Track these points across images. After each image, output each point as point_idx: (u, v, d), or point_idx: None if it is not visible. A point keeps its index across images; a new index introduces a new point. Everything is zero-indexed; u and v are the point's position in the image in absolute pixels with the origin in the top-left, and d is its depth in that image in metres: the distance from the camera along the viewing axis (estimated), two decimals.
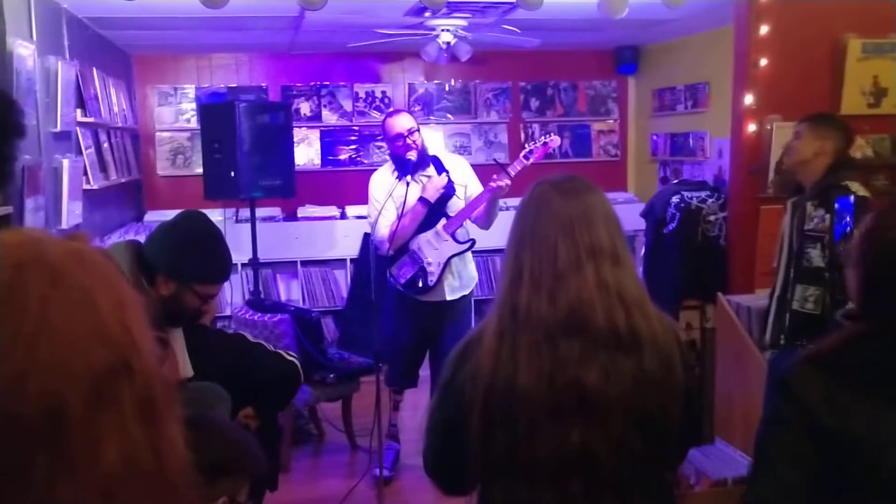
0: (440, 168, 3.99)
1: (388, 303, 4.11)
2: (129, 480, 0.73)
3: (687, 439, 1.66)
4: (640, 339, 1.48)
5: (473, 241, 4.00)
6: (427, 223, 3.93)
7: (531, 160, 3.86)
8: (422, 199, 3.88)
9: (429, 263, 3.91)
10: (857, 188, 2.98)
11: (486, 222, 4.00)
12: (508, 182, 3.78)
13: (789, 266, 3.13)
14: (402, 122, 3.93)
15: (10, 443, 0.69)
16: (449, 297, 3.99)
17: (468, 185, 4.04)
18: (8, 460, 0.69)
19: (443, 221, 3.93)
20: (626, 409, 1.46)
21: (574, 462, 1.46)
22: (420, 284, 3.92)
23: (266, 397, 2.72)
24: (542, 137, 3.98)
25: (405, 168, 3.89)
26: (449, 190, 3.94)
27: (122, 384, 0.74)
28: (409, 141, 3.87)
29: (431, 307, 3.99)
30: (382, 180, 4.01)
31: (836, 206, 2.66)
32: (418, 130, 3.95)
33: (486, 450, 1.50)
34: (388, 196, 3.89)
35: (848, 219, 2.64)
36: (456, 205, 3.98)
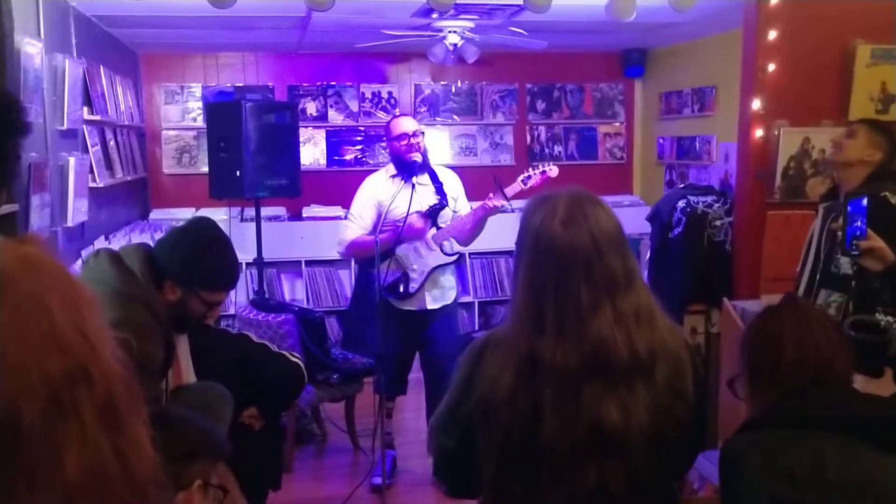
0: (435, 178, 3.99)
1: (374, 312, 4.11)
2: (93, 488, 0.71)
3: (695, 446, 1.66)
4: (655, 356, 1.48)
5: (460, 255, 4.04)
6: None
7: (528, 185, 3.88)
8: (398, 231, 3.85)
9: (413, 270, 3.92)
10: None
11: (467, 240, 4.03)
12: (505, 203, 3.82)
13: (815, 271, 3.10)
14: (407, 124, 3.94)
15: None
16: (430, 307, 3.99)
17: (457, 200, 4.05)
18: None
19: (433, 231, 3.93)
20: (643, 435, 1.46)
21: (591, 500, 1.46)
22: (401, 290, 3.93)
23: (270, 398, 2.72)
24: (542, 166, 3.98)
25: (409, 169, 3.88)
26: (442, 201, 3.95)
27: (81, 391, 0.72)
28: (413, 142, 3.87)
29: (414, 316, 4.00)
30: (375, 184, 4.01)
31: (848, 208, 2.62)
32: (423, 134, 3.96)
33: (501, 497, 1.50)
34: (375, 199, 3.91)
35: (859, 222, 2.60)
36: (446, 217, 3.98)
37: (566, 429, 1.44)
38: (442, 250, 3.96)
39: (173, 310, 2.13)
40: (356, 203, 4.01)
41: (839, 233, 2.71)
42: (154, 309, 2.00)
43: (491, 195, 3.82)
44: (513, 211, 6.34)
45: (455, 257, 4.00)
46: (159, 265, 2.14)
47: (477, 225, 3.92)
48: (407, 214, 3.81)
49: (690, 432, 1.56)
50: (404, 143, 3.88)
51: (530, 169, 3.97)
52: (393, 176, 3.98)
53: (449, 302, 4.08)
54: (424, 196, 3.92)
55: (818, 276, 3.04)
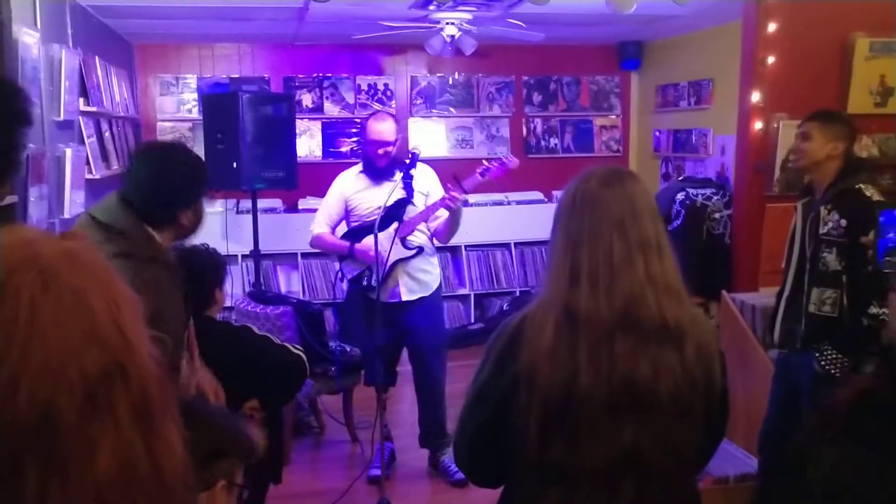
0: (407, 179, 3.93)
1: (355, 306, 4.13)
2: (124, 485, 0.72)
3: (718, 436, 1.66)
4: (685, 332, 1.49)
5: (421, 249, 3.99)
6: (382, 225, 3.88)
7: (487, 177, 3.87)
8: (350, 247, 3.94)
9: (374, 263, 3.90)
10: (872, 192, 2.96)
11: (445, 237, 4.05)
12: (464, 196, 3.81)
13: (800, 268, 3.10)
14: (380, 131, 3.93)
15: (3, 450, 0.67)
16: (405, 298, 4.01)
17: (429, 195, 4.02)
18: (0, 467, 0.67)
19: (395, 225, 3.92)
20: (672, 403, 1.46)
21: (626, 461, 1.46)
22: (364, 282, 3.97)
23: (272, 390, 2.72)
24: (501, 157, 3.97)
25: (372, 172, 3.96)
26: (408, 196, 3.94)
27: (117, 388, 0.72)
28: (380, 151, 3.92)
29: (393, 308, 3.99)
30: (345, 180, 4.07)
31: (881, 219, 2.61)
32: (394, 144, 3.95)
33: (542, 455, 1.49)
34: (343, 196, 4.00)
35: (892, 234, 2.59)
36: (413, 212, 3.97)
37: (601, 382, 1.45)
38: (403, 244, 3.95)
39: (189, 231, 2.17)
40: (326, 197, 4.10)
41: (870, 249, 2.70)
42: (168, 265, 2.04)
43: (449, 185, 3.81)
44: (509, 204, 6.39)
45: (415, 252, 3.97)
46: (162, 208, 2.12)
47: (449, 224, 3.94)
48: (384, 206, 3.76)
49: (716, 420, 1.57)
50: (372, 149, 3.95)
51: (487, 161, 3.95)
52: (361, 172, 4.04)
53: (427, 294, 4.07)
54: (393, 191, 3.86)
55: (807, 276, 3.05)
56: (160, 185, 2.13)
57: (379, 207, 3.78)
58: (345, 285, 4.12)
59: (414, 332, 4.06)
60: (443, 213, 3.94)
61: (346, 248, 3.93)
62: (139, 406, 0.74)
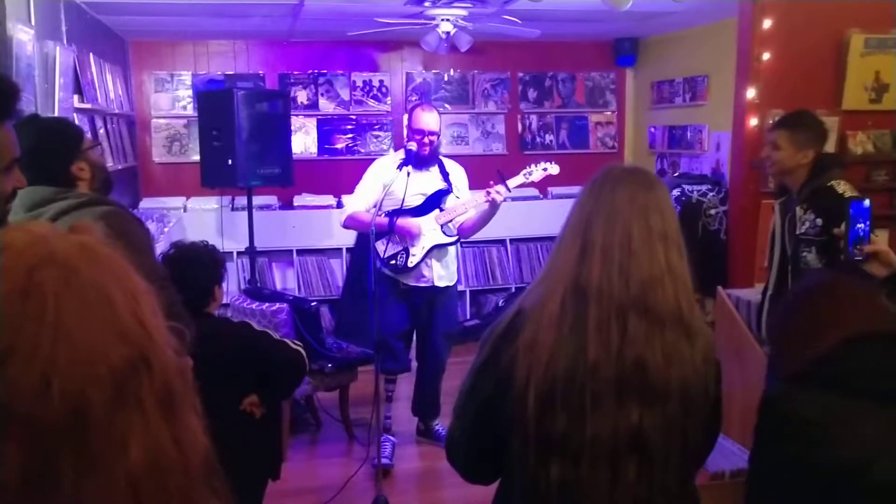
0: (442, 167, 4.17)
1: (380, 289, 4.18)
2: (155, 476, 0.72)
3: (714, 437, 1.66)
4: (695, 328, 1.47)
5: (458, 238, 4.19)
6: (423, 211, 4.09)
7: (530, 180, 4.09)
8: (391, 222, 4.04)
9: (413, 245, 4.07)
10: (845, 188, 2.97)
11: (470, 232, 4.20)
12: (507, 192, 3.95)
13: (782, 266, 3.12)
14: (426, 122, 4.05)
15: (37, 448, 0.68)
16: (437, 284, 4.15)
17: (460, 190, 4.22)
18: (35, 465, 0.68)
19: (436, 212, 4.08)
20: (681, 393, 1.45)
21: (631, 442, 1.44)
22: (398, 263, 4.09)
23: (272, 385, 2.72)
24: (545, 164, 4.13)
25: (415, 160, 4.04)
26: (448, 188, 4.13)
27: (142, 379, 0.73)
28: (425, 140, 4.03)
29: (422, 292, 4.16)
30: (384, 166, 4.16)
31: (850, 210, 2.62)
32: (438, 134, 4.08)
33: (542, 428, 1.46)
34: (381, 181, 4.07)
35: (862, 225, 2.60)
36: (449, 203, 4.13)
37: (610, 359, 1.42)
38: (443, 230, 4.10)
39: (103, 176, 2.24)
40: (364, 180, 4.18)
41: (842, 240, 2.71)
42: (121, 205, 2.14)
43: (491, 182, 3.94)
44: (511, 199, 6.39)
45: (454, 239, 4.15)
46: (47, 173, 2.13)
47: (479, 221, 4.08)
48: (427, 197, 4.01)
49: (712, 422, 1.56)
50: (418, 137, 4.04)
51: (533, 165, 4.12)
52: (402, 160, 4.10)
53: (451, 283, 4.24)
54: (431, 181, 4.07)
55: (789, 275, 3.07)
56: (36, 150, 2.12)
57: (415, 195, 3.98)
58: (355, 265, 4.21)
59: (434, 320, 4.23)
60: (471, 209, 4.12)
61: (385, 224, 4.01)
62: (163, 397, 0.75)
